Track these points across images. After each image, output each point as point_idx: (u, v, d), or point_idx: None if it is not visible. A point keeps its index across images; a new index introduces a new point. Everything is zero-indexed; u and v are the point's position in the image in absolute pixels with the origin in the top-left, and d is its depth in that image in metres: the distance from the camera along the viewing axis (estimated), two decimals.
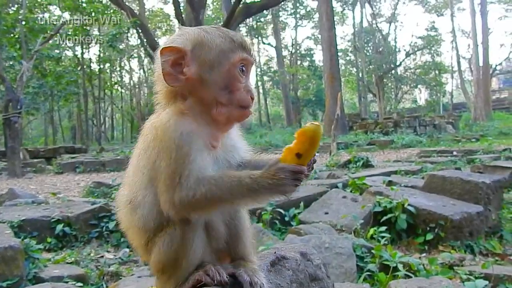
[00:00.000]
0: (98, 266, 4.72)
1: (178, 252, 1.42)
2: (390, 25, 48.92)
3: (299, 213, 5.82)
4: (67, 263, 4.71)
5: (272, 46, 51.00)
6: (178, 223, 1.42)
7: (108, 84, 43.83)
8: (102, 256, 5.13)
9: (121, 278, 4.09)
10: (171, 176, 1.34)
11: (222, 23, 23.76)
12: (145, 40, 26.31)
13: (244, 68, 1.48)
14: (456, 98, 55.18)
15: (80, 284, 3.92)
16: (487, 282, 3.48)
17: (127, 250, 5.27)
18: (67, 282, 3.87)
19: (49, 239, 5.35)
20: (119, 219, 1.59)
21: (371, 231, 5.00)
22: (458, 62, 45.60)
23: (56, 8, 30.76)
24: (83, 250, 5.29)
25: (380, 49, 44.81)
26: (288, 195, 1.36)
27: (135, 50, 44.59)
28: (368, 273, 3.99)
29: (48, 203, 7.04)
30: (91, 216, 5.82)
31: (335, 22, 33.75)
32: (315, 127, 1.37)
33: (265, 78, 54.50)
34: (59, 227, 5.49)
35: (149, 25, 34.61)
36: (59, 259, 4.77)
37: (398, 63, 46.85)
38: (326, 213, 5.70)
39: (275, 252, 1.64)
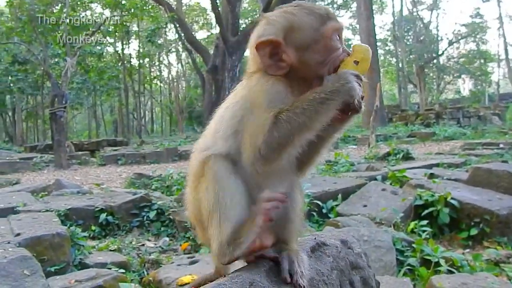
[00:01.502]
0: (140, 254, 4.86)
1: (218, 195, 1.41)
2: (431, 12, 47.25)
3: (337, 205, 5.76)
4: (110, 250, 4.87)
5: None
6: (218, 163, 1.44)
7: (148, 78, 44.86)
8: (143, 245, 5.27)
9: (161, 266, 4.19)
10: (258, 127, 1.37)
11: (258, 15, 23.72)
12: (182, 34, 26.73)
13: (338, 36, 1.50)
14: (503, 88, 52.62)
15: (122, 270, 4.04)
16: None
17: (167, 239, 5.40)
18: (110, 268, 4.00)
19: (93, 227, 5.55)
20: (190, 163, 1.60)
21: (412, 224, 4.88)
22: (506, 50, 43.58)
23: (97, 6, 31.73)
24: (125, 239, 5.46)
25: (421, 38, 43.41)
26: (356, 97, 1.37)
27: (173, 45, 45.38)
28: (408, 267, 3.90)
29: (92, 193, 7.29)
30: (132, 206, 5.99)
31: (374, 11, 32.91)
32: (367, 46, 1.48)
33: None
34: (103, 216, 5.68)
35: (186, 19, 35.08)
36: (102, 247, 4.95)
37: (440, 52, 45.23)
38: (365, 205, 5.61)
39: (315, 238, 1.61)
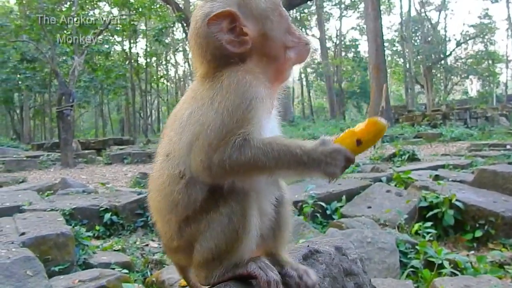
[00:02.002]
0: (143, 254, 4.88)
1: (238, 233, 1.27)
2: (440, 13, 46.95)
3: (341, 206, 5.75)
4: (114, 250, 4.90)
5: (316, 37, 50.34)
6: (235, 199, 1.28)
7: (155, 77, 44.96)
8: (147, 245, 5.29)
9: (164, 267, 4.21)
10: (221, 135, 1.22)
11: None
12: None
13: None
14: (511, 89, 52.19)
15: (126, 271, 4.06)
16: None
17: None
18: (114, 268, 4.03)
19: (97, 227, 5.58)
20: (161, 186, 1.37)
21: (416, 226, 4.86)
22: None
23: (105, 4, 31.89)
24: (129, 239, 5.48)
25: (429, 39, 43.20)
26: (332, 179, 1.25)
27: (180, 44, 45.48)
28: (411, 269, 3.89)
29: (97, 192, 7.33)
30: (137, 206, 6.01)
31: (381, 12, 32.75)
32: (386, 124, 1.31)
33: (309, 70, 53.92)
34: (107, 215, 5.71)
35: None
36: (107, 247, 4.98)
37: (448, 53, 44.98)
38: (369, 207, 5.60)
39: (308, 246, 1.60)
